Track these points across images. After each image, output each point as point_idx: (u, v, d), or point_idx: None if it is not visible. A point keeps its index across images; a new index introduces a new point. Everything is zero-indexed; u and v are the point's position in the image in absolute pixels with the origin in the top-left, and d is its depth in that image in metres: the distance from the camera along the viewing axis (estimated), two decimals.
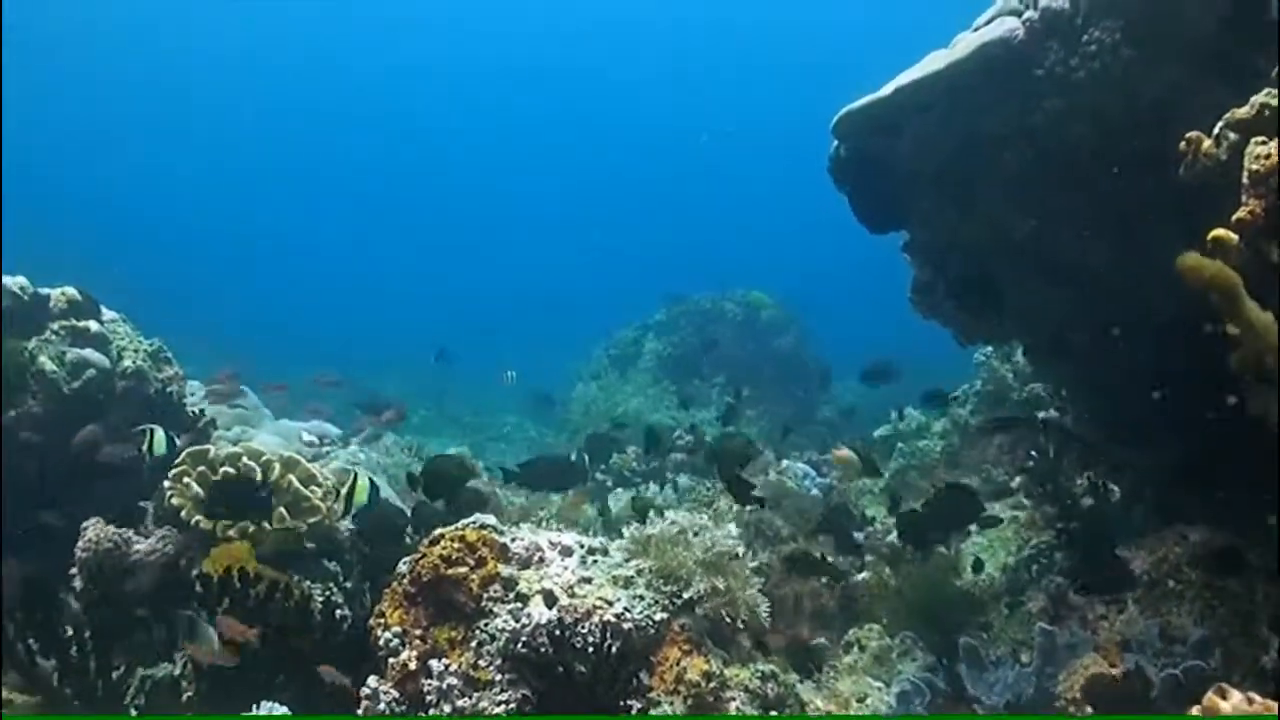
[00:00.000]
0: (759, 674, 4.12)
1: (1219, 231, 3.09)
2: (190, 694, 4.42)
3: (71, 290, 6.27)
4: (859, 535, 6.38)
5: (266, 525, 4.94)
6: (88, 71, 36.99)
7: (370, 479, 5.09)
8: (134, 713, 4.40)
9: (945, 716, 4.34)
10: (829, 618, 5.59)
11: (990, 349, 8.51)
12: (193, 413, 6.38)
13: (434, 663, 3.96)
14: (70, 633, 4.34)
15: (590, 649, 3.83)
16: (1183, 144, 3.49)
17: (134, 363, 6.23)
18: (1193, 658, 3.96)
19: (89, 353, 6.01)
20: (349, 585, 5.16)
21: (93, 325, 6.21)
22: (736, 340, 14.07)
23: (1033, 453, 6.52)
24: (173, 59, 37.74)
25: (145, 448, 5.28)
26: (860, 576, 5.86)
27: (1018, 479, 6.97)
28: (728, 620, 4.20)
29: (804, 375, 13.93)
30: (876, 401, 10.96)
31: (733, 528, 4.56)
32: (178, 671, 4.55)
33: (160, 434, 5.29)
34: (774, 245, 32.16)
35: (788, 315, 14.81)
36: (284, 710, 4.05)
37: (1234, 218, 3.09)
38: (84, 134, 38.08)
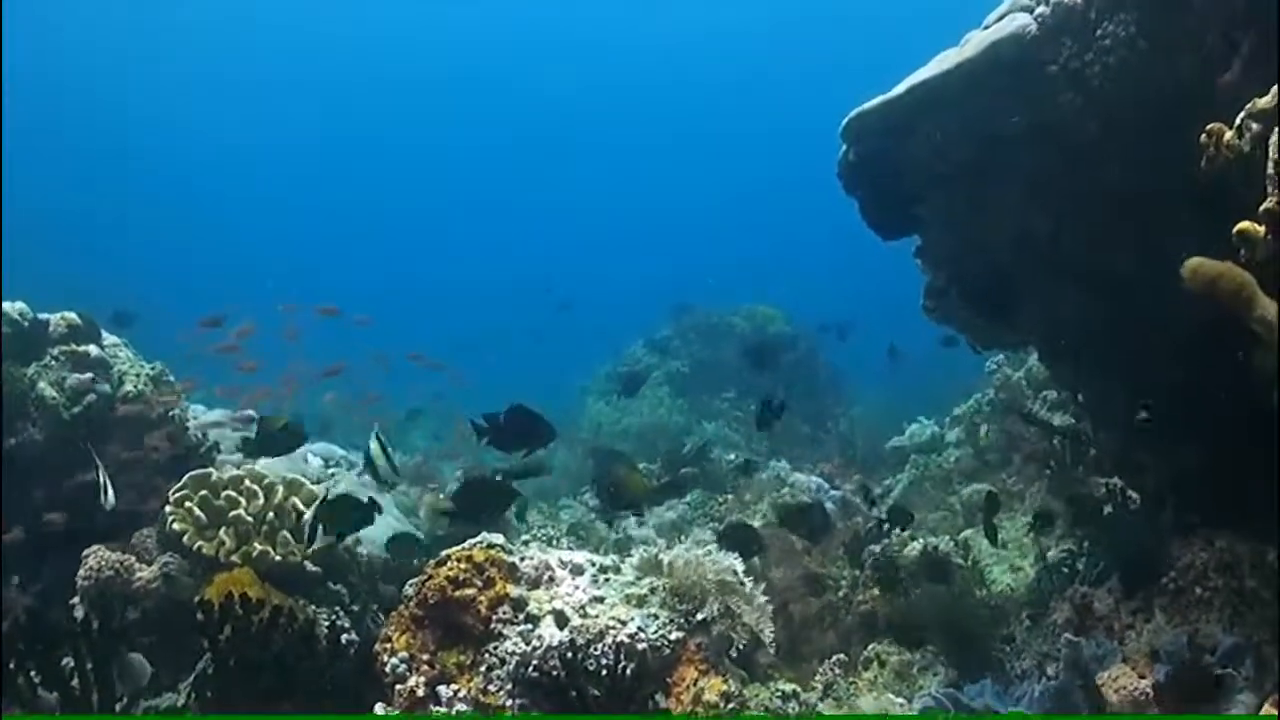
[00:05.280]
0: (779, 693, 4.03)
1: (1245, 225, 2.98)
2: None
3: (71, 315, 6.19)
4: (875, 547, 6.29)
5: (272, 550, 4.86)
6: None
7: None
8: None
9: (957, 715, 4.24)
10: (846, 633, 5.50)
11: (1002, 357, 8.43)
12: (196, 437, 6.29)
13: (442, 688, 3.89)
14: (72, 664, 4.24)
15: (604, 671, 3.74)
16: (1203, 137, 3.39)
17: (135, 387, 6.15)
18: (1224, 666, 3.85)
19: (89, 378, 5.93)
20: (355, 608, 5.07)
21: (93, 350, 6.13)
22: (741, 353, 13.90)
23: (1051, 463, 6.45)
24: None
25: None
26: (877, 591, 5.76)
27: (1035, 486, 6.89)
28: (741, 640, 4.11)
29: (815, 388, 13.80)
30: (890, 413, 10.87)
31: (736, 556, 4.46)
32: (181, 701, 4.46)
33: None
34: (780, 255, 32.06)
35: (796, 329, 14.68)
36: None
37: (1261, 209, 2.98)
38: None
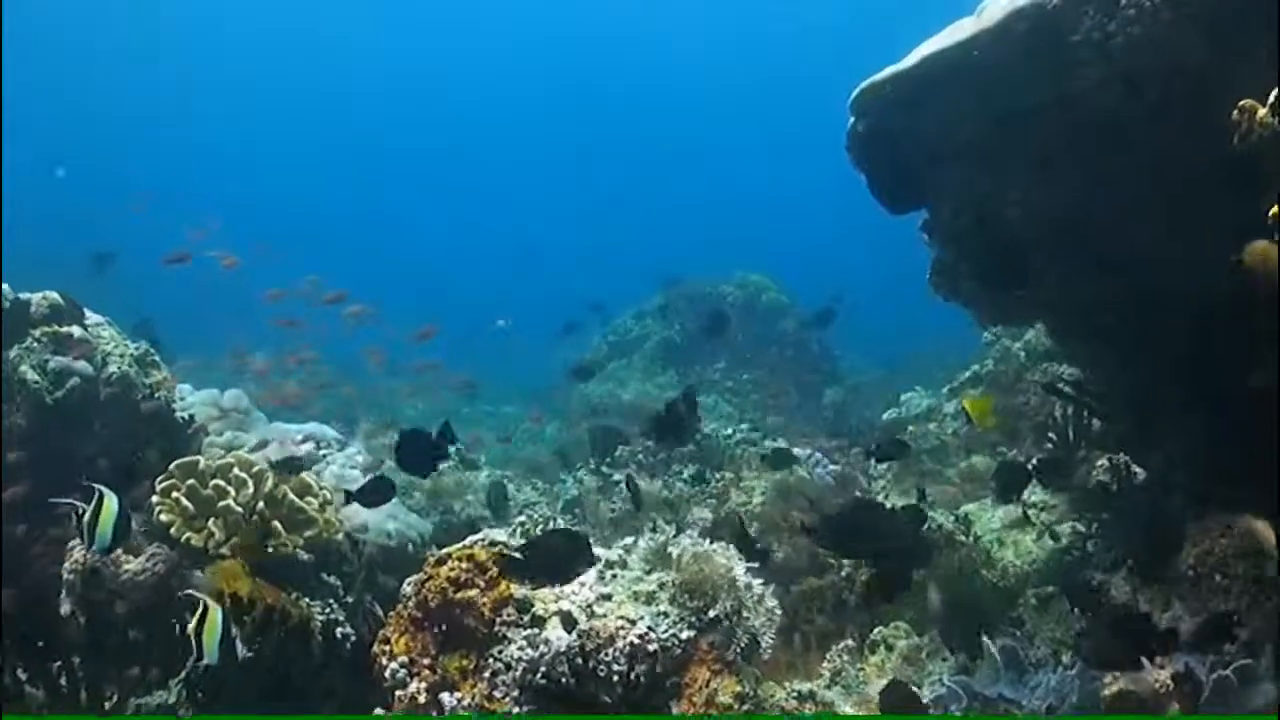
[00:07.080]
0: (795, 693, 3.92)
1: None
2: None
3: (54, 295, 6.03)
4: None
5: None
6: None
7: (222, 610, 3.64)
8: None
9: (978, 718, 4.13)
10: (850, 614, 5.40)
11: (1000, 328, 8.31)
12: (182, 419, 6.14)
13: (445, 696, 3.75)
14: (59, 660, 4.12)
15: (615, 677, 3.60)
16: (1235, 113, 3.28)
17: (119, 368, 5.97)
18: (1243, 656, 3.76)
19: (72, 360, 5.78)
20: (350, 600, 4.95)
21: (75, 330, 5.97)
22: (739, 324, 13.73)
23: (1051, 435, 6.34)
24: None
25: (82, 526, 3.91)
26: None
27: (1034, 461, 6.78)
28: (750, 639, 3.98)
29: (808, 359, 13.71)
30: (883, 384, 10.82)
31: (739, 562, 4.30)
32: (172, 699, 4.34)
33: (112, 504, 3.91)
34: (774, 227, 32.12)
35: (789, 298, 14.53)
36: None
37: None
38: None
